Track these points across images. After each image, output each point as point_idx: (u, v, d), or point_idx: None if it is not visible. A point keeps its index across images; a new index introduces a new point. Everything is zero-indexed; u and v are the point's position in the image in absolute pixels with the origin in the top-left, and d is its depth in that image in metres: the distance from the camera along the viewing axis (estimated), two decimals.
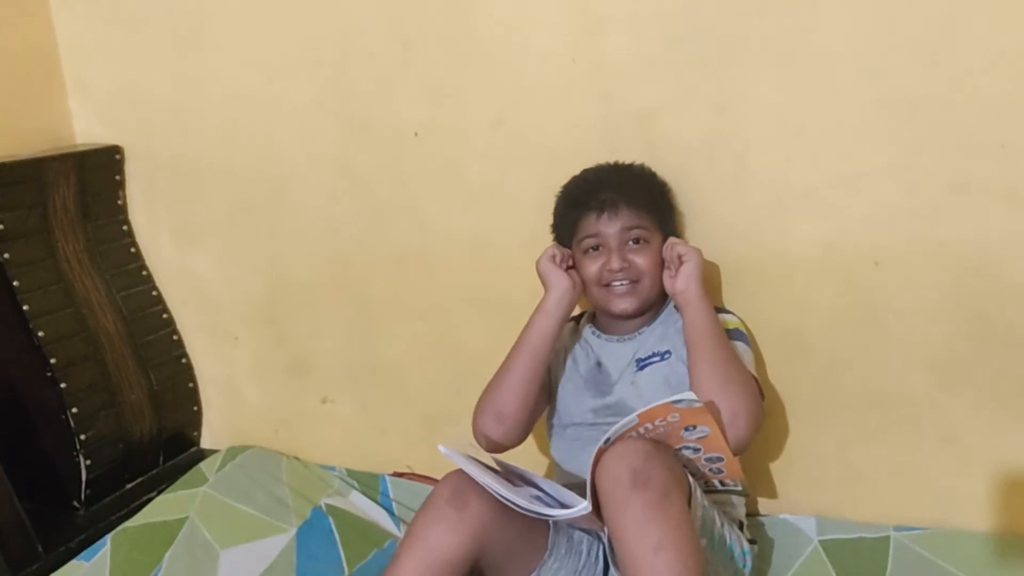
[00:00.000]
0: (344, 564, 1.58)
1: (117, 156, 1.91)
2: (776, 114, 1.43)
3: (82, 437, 1.74)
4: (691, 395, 1.15)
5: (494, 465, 1.29)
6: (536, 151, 1.58)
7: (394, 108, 1.67)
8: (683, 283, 1.36)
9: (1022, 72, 1.29)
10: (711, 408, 1.22)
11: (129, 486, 1.86)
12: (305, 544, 1.61)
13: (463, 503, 1.24)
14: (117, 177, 1.92)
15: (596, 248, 1.41)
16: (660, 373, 1.39)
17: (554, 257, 1.43)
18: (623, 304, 1.41)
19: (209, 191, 1.88)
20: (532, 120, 1.58)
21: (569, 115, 1.55)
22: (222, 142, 1.84)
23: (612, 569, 1.30)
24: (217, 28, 1.77)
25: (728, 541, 1.28)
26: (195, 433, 2.03)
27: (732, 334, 1.39)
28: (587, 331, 1.50)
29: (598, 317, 1.51)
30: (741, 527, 1.37)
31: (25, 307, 1.70)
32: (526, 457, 1.60)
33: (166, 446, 1.95)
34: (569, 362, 1.49)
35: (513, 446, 1.45)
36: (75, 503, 1.77)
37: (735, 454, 1.26)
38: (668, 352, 1.40)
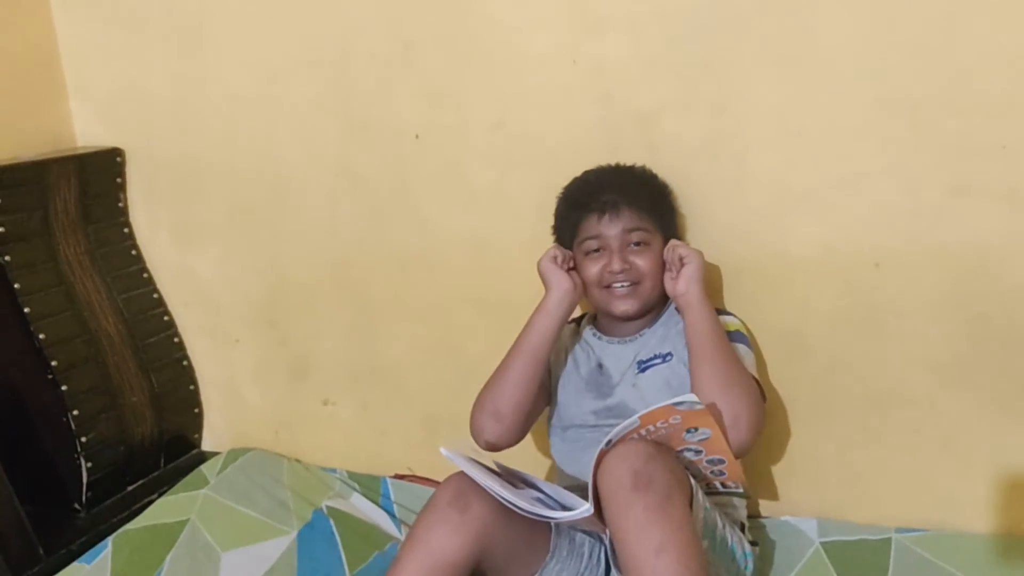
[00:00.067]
0: (345, 566, 1.58)
1: (118, 158, 1.91)
2: (776, 115, 1.43)
3: (83, 439, 1.74)
4: (693, 397, 1.15)
5: (495, 467, 1.29)
6: (536, 152, 1.58)
7: (395, 109, 1.67)
8: (684, 285, 1.36)
9: (1022, 73, 1.29)
10: (713, 410, 1.22)
11: (130, 488, 1.86)
12: (306, 546, 1.61)
13: (465, 505, 1.24)
14: (118, 179, 1.92)
15: (597, 250, 1.41)
16: (661, 375, 1.39)
17: (555, 258, 1.43)
18: (624, 306, 1.41)
19: (210, 193, 1.88)
20: (533, 121, 1.58)
21: (569, 116, 1.55)
22: (223, 144, 1.84)
23: (614, 571, 1.30)
24: (218, 30, 1.77)
25: (730, 543, 1.28)
26: (196, 435, 2.03)
27: (733, 336, 1.39)
28: (588, 333, 1.50)
29: (599, 319, 1.51)
30: (743, 529, 1.37)
31: (26, 309, 1.70)
32: (526, 459, 1.60)
33: (167, 448, 1.95)
34: (570, 364, 1.49)
35: (510, 445, 1.45)
36: (76, 505, 1.77)
37: (737, 457, 1.26)
38: (669, 354, 1.40)
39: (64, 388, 1.72)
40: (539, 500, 1.24)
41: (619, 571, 1.21)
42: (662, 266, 1.41)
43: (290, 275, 1.86)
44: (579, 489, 1.24)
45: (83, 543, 1.62)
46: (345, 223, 1.78)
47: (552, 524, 1.32)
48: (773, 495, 1.59)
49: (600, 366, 1.45)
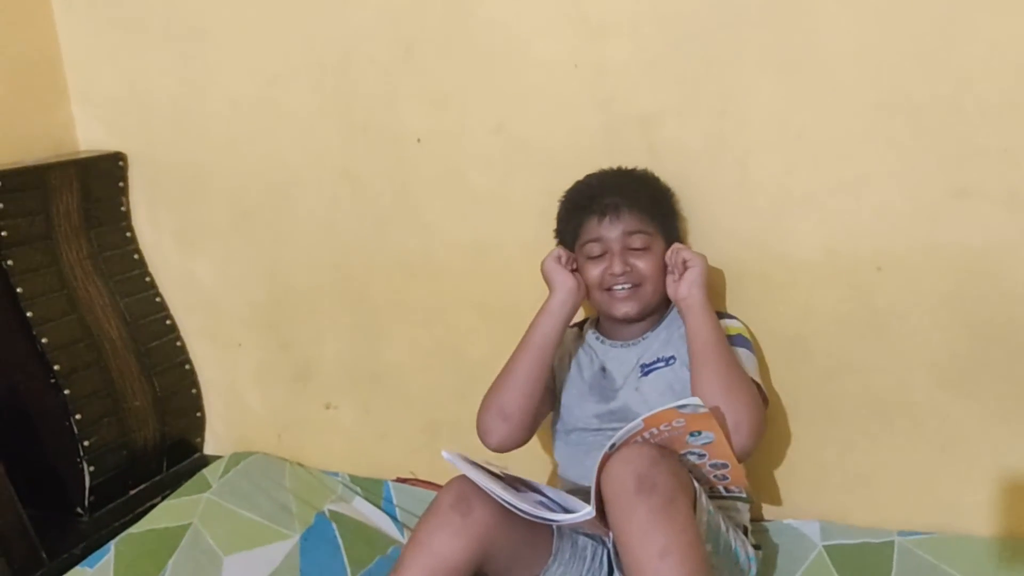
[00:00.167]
0: (348, 570, 1.58)
1: (120, 163, 1.91)
2: (777, 119, 1.43)
3: (85, 443, 1.74)
4: (696, 400, 1.15)
5: (497, 471, 1.29)
6: (538, 157, 1.59)
7: (396, 113, 1.67)
8: (686, 289, 1.36)
9: (1023, 76, 1.30)
10: (716, 414, 1.22)
11: (132, 492, 1.86)
12: (309, 550, 1.61)
13: (467, 508, 1.24)
14: (120, 184, 1.92)
15: (599, 253, 1.41)
16: (664, 378, 1.39)
17: (559, 258, 1.43)
18: (625, 308, 1.41)
19: (212, 197, 1.88)
20: (534, 125, 1.58)
21: (571, 120, 1.55)
22: (225, 148, 1.84)
23: (617, 574, 1.30)
24: (219, 34, 1.78)
25: (733, 546, 1.28)
26: (198, 439, 2.03)
27: (735, 340, 1.39)
28: (591, 336, 1.50)
29: (602, 322, 1.51)
30: (746, 532, 1.37)
31: (28, 314, 1.70)
32: (529, 462, 1.60)
33: (169, 452, 1.95)
34: (573, 367, 1.49)
35: (517, 446, 1.45)
36: (79, 509, 1.77)
37: (739, 461, 1.26)
38: (673, 357, 1.40)
39: (66, 392, 1.72)
40: (541, 503, 1.24)
41: (622, 574, 1.21)
42: (663, 269, 1.41)
43: (292, 279, 1.87)
44: (581, 493, 1.24)
45: (85, 547, 1.62)
46: (347, 227, 1.78)
47: (554, 527, 1.32)
48: (776, 498, 1.59)
49: (603, 370, 1.45)
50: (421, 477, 1.83)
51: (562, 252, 1.44)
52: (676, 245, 1.42)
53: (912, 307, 1.43)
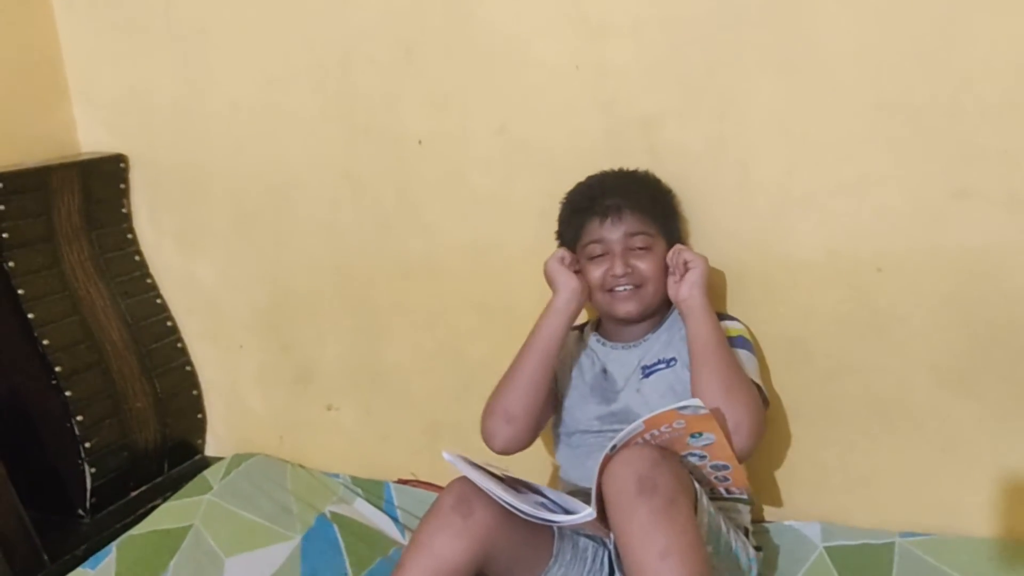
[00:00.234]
0: (349, 571, 1.58)
1: (121, 164, 1.91)
2: (778, 120, 1.43)
3: (87, 445, 1.74)
4: (697, 402, 1.15)
5: (498, 472, 1.29)
6: (539, 158, 1.59)
7: (397, 115, 1.67)
8: (687, 290, 1.36)
9: (1023, 77, 1.30)
10: (717, 415, 1.22)
11: (134, 494, 1.86)
12: (310, 552, 1.61)
13: (468, 510, 1.24)
14: (121, 185, 1.92)
15: (601, 254, 1.41)
16: (666, 380, 1.40)
17: (563, 259, 1.43)
18: (626, 307, 1.41)
19: (213, 199, 1.89)
20: (535, 127, 1.58)
21: (572, 122, 1.55)
22: (226, 150, 1.84)
23: (618, 575, 1.30)
24: (221, 36, 1.78)
25: (734, 548, 1.28)
26: (199, 441, 2.03)
27: (736, 341, 1.39)
28: (592, 339, 1.50)
29: (603, 324, 1.51)
30: (747, 534, 1.37)
31: (30, 315, 1.70)
32: (530, 464, 1.60)
33: (170, 454, 1.95)
34: (574, 369, 1.49)
35: (522, 448, 1.45)
36: (80, 511, 1.77)
37: (739, 462, 1.26)
38: (674, 359, 1.40)
39: (68, 394, 1.72)
40: (542, 504, 1.24)
41: (623, 575, 1.21)
42: (665, 270, 1.41)
43: (293, 281, 1.87)
44: (582, 495, 1.24)
45: (87, 549, 1.62)
46: (348, 229, 1.78)
47: (555, 528, 1.32)
48: (777, 500, 1.59)
49: (604, 371, 1.46)
50: (422, 478, 1.83)
51: (565, 253, 1.44)
52: (678, 246, 1.42)
53: (912, 308, 1.43)
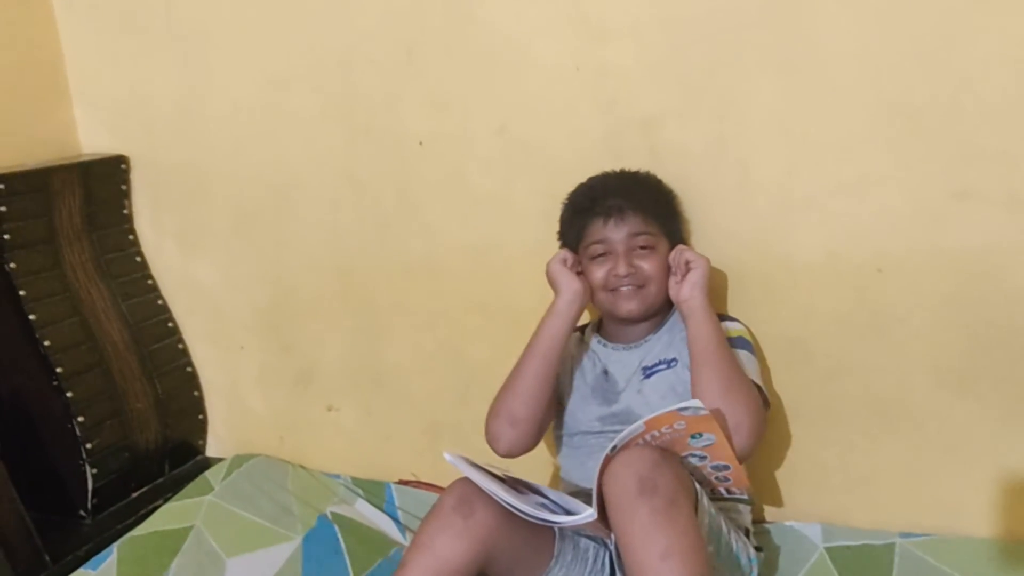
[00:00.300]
0: (350, 572, 1.58)
1: (122, 165, 1.91)
2: (778, 121, 1.43)
3: (88, 446, 1.74)
4: (697, 403, 1.16)
5: (499, 473, 1.29)
6: (540, 159, 1.59)
7: (398, 116, 1.67)
8: (688, 291, 1.37)
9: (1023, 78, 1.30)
10: (717, 416, 1.23)
11: (135, 495, 1.86)
12: (311, 552, 1.61)
13: (469, 511, 1.24)
14: (123, 186, 1.92)
15: (603, 254, 1.41)
16: (667, 381, 1.40)
17: (565, 260, 1.44)
18: (629, 305, 1.41)
19: (214, 200, 1.89)
20: (536, 128, 1.58)
21: (573, 123, 1.55)
22: (227, 151, 1.84)
23: (618, 575, 1.31)
24: (221, 37, 1.78)
25: (735, 548, 1.28)
26: (200, 442, 2.03)
27: (736, 342, 1.39)
28: (593, 340, 1.50)
29: (604, 325, 1.51)
30: (747, 534, 1.37)
31: (31, 316, 1.70)
32: (531, 464, 1.60)
33: (171, 455, 1.95)
34: (576, 371, 1.49)
35: (526, 451, 1.46)
36: (81, 512, 1.77)
37: (739, 462, 1.26)
38: (675, 360, 1.41)
39: (69, 395, 1.72)
40: (543, 505, 1.24)
41: None
42: (667, 270, 1.42)
43: (294, 281, 1.87)
44: (583, 495, 1.24)
45: (88, 549, 1.62)
46: (349, 230, 1.78)
47: (556, 529, 1.33)
48: (777, 500, 1.59)
49: (606, 373, 1.46)
50: (423, 479, 1.83)
51: (567, 255, 1.45)
52: (680, 246, 1.42)
53: (913, 309, 1.43)
